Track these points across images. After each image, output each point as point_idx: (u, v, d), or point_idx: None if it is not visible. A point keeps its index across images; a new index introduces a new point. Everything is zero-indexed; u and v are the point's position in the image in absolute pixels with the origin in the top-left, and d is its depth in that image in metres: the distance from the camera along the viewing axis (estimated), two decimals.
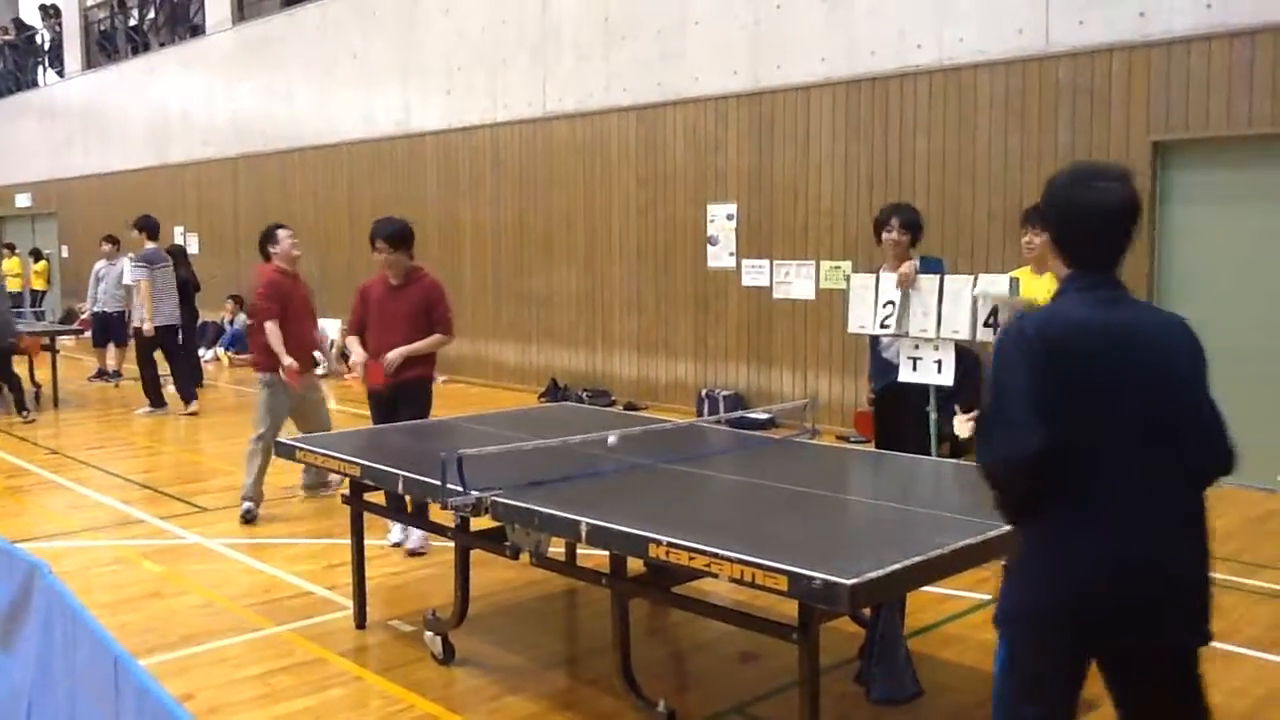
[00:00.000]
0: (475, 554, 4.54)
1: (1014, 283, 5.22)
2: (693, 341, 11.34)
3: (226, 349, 16.23)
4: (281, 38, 16.90)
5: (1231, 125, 7.69)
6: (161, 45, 20.49)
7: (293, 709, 4.22)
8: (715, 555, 3.07)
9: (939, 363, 5.33)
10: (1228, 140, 7.78)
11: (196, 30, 19.45)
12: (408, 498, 4.91)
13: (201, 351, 14.81)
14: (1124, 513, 2.47)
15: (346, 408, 10.08)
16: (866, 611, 4.15)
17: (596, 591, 4.49)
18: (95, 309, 13.51)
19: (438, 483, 3.93)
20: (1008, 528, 2.80)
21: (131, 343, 12.04)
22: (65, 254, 23.25)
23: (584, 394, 11.86)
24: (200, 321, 13.74)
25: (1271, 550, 6.29)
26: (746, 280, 10.77)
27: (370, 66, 15.09)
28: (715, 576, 3.13)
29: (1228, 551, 6.15)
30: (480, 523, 4.15)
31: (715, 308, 11.10)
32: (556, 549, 4.74)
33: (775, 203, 10.48)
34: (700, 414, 10.54)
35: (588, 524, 3.50)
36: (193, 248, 17.88)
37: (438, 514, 4.35)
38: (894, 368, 5.54)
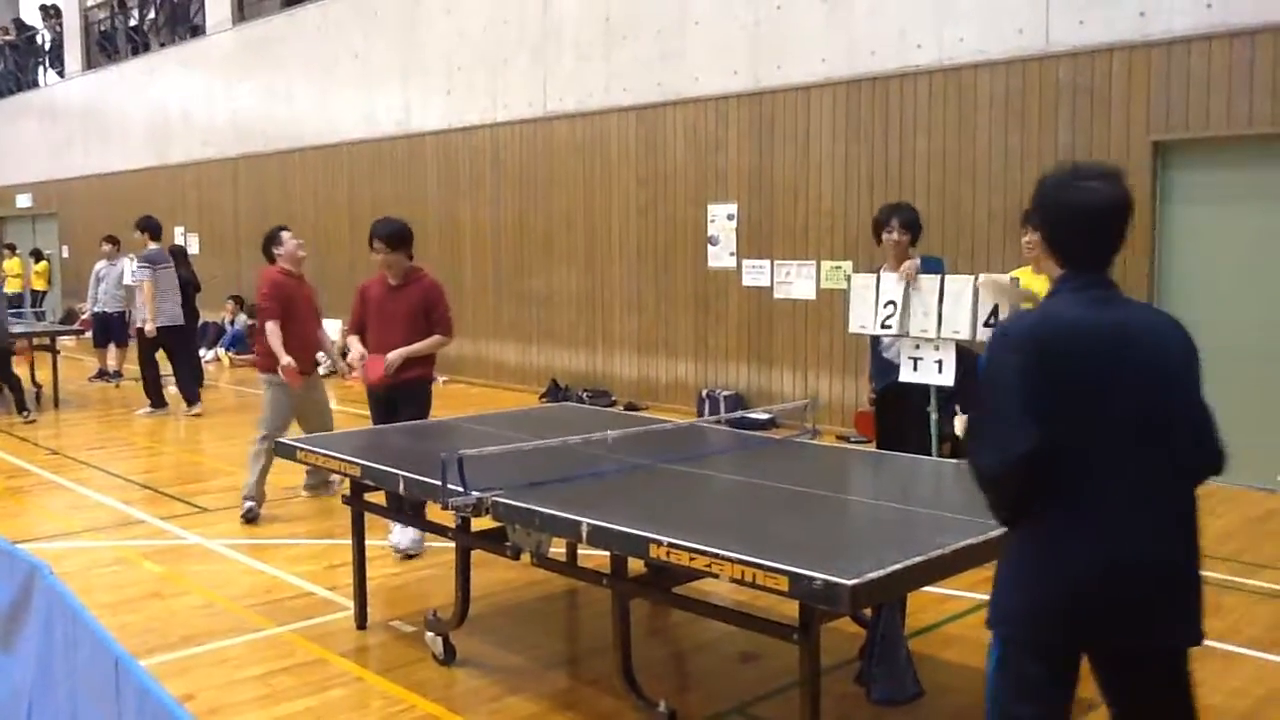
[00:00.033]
0: (476, 554, 4.54)
1: (1014, 282, 5.23)
2: (693, 342, 11.34)
3: (227, 349, 16.24)
4: (282, 38, 16.91)
5: (1232, 125, 7.69)
6: (162, 45, 20.50)
7: (293, 710, 4.22)
8: (716, 556, 3.07)
9: (940, 363, 5.33)
10: (1228, 140, 7.78)
11: (197, 30, 19.45)
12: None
13: (202, 352, 14.81)
14: (1117, 513, 2.47)
15: (347, 408, 10.07)
16: (867, 612, 4.15)
17: (597, 592, 4.49)
18: (96, 309, 13.51)
19: (438, 483, 3.93)
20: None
21: (134, 343, 12.04)
22: (66, 254, 23.26)
23: (584, 394, 11.87)
24: (201, 322, 13.74)
25: (1271, 550, 6.29)
26: (747, 280, 10.77)
27: (371, 66, 15.09)
28: (716, 577, 3.13)
29: (1228, 551, 6.15)
30: (481, 523, 4.15)
31: (716, 308, 11.10)
32: (557, 549, 4.73)
33: (776, 203, 10.48)
34: (701, 414, 10.54)
35: (588, 524, 3.50)
36: (193, 248, 17.89)
37: (439, 514, 4.35)
38: (895, 368, 5.55)
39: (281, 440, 5.37)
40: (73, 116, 22.86)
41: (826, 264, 10.10)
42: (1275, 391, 7.50)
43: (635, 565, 3.80)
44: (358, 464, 4.61)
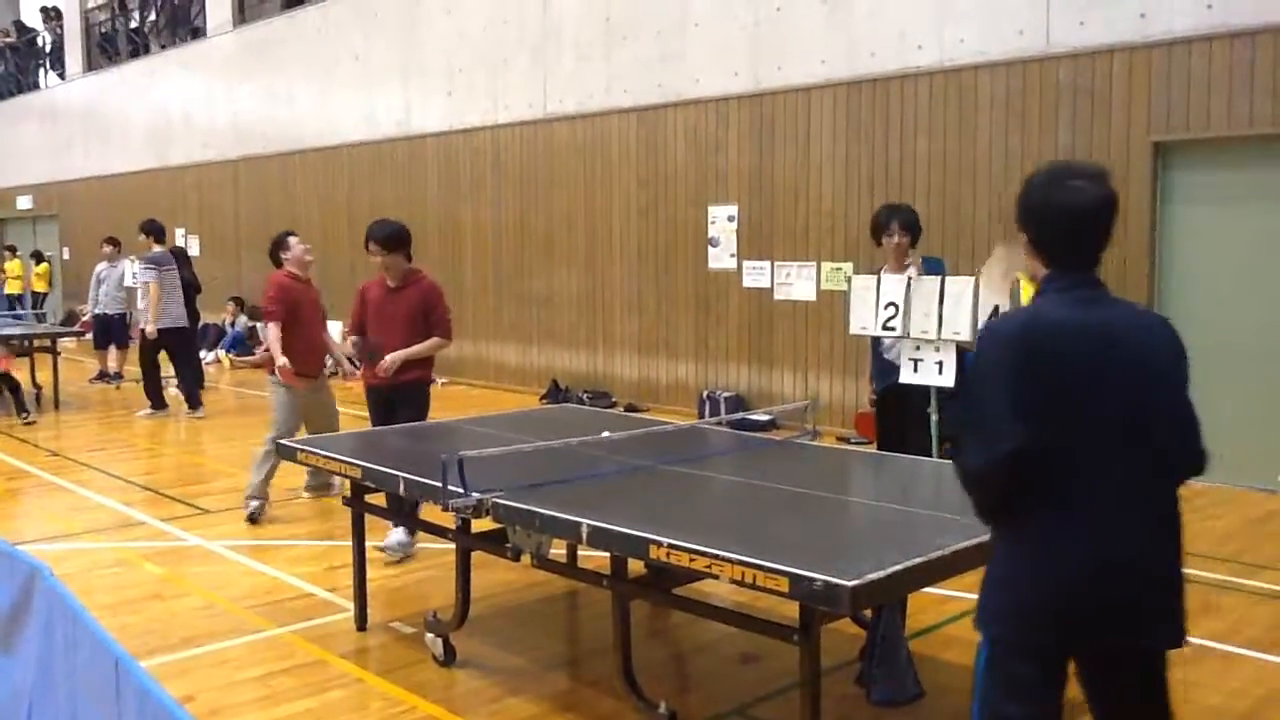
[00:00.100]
0: (476, 555, 4.54)
1: (1015, 283, 5.23)
2: (694, 343, 11.34)
3: (227, 351, 16.25)
4: (282, 40, 16.91)
5: (1232, 125, 7.69)
6: (162, 47, 20.50)
7: (294, 711, 4.22)
8: (716, 557, 3.07)
9: (940, 364, 5.34)
10: (1228, 140, 7.78)
11: (197, 32, 19.47)
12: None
13: (202, 354, 14.82)
14: (1105, 513, 2.47)
15: (348, 409, 10.07)
16: (868, 613, 4.15)
17: (597, 593, 4.49)
18: (96, 311, 13.52)
19: (439, 484, 3.93)
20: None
21: (135, 344, 12.05)
22: (66, 256, 23.27)
23: (585, 395, 11.87)
24: (201, 324, 13.76)
25: (1271, 550, 6.29)
26: (747, 281, 10.77)
27: (371, 68, 15.10)
28: (716, 578, 3.12)
29: (1228, 552, 6.15)
30: (481, 524, 4.15)
31: (716, 309, 11.10)
32: (557, 550, 4.73)
33: (776, 204, 10.48)
34: (701, 415, 10.54)
35: (589, 525, 3.50)
36: (194, 250, 17.88)
37: (439, 516, 4.35)
38: (895, 369, 5.55)
39: (282, 441, 5.39)
40: (73, 118, 22.87)
41: (827, 265, 10.10)
42: (1275, 391, 7.50)
43: (635, 566, 3.80)
44: (358, 465, 4.61)
